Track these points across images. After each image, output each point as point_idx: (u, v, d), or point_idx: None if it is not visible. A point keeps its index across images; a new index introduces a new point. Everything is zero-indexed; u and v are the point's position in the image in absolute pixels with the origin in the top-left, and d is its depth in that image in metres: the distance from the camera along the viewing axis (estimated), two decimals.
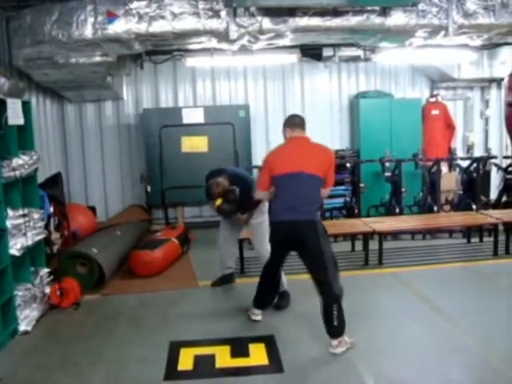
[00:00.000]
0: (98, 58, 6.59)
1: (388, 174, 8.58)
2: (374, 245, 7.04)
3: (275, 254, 4.85)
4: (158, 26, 6.01)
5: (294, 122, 4.81)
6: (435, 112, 9.92)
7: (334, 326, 4.36)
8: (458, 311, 5.26)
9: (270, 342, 4.61)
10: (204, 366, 4.26)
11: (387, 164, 8.62)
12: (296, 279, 5.95)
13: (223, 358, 4.38)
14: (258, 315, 5.11)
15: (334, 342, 4.36)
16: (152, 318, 5.38)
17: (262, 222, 5.72)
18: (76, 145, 9.76)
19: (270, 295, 5.14)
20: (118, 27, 5.98)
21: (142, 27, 5.99)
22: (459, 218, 7.91)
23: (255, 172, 9.12)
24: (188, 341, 4.74)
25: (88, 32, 5.97)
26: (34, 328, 5.09)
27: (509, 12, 6.14)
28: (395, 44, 7.35)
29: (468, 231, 8.02)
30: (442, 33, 6.40)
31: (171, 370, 4.20)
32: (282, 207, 4.55)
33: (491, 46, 8.84)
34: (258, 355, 4.40)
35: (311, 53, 8.73)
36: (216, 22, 6.06)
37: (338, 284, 4.44)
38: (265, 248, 5.40)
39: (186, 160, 9.20)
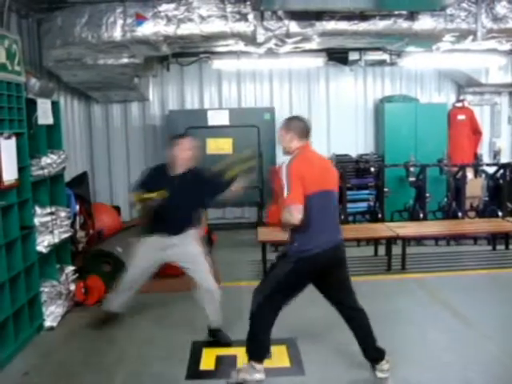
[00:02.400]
0: (125, 60, 6.69)
1: (412, 178, 8.52)
2: (397, 250, 7.00)
3: (291, 292, 4.01)
4: (185, 29, 6.08)
5: (307, 128, 4.14)
6: (461, 117, 9.83)
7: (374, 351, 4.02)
8: (482, 319, 5.20)
9: (291, 345, 4.63)
10: (226, 366, 4.28)
11: (412, 169, 8.56)
12: None
13: (245, 358, 4.39)
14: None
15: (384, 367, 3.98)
16: (175, 317, 5.43)
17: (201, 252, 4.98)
18: (102, 145, 9.88)
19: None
20: (147, 29, 6.06)
21: (171, 29, 6.06)
22: (484, 225, 7.83)
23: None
24: (210, 341, 4.77)
25: (117, 34, 6.06)
26: (58, 324, 5.18)
27: None
28: (422, 48, 7.31)
29: (493, 238, 7.92)
30: (471, 37, 6.35)
31: (193, 370, 4.24)
32: (323, 232, 3.80)
33: None
34: (279, 357, 4.42)
35: (337, 57, 8.71)
36: (243, 25, 6.10)
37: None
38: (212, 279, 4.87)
39: (211, 162, 9.06)
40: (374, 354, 3.99)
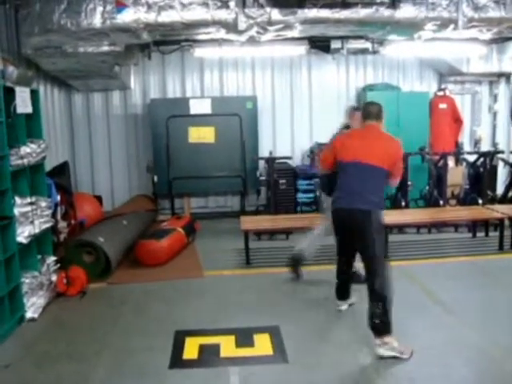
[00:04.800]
0: (106, 48, 6.60)
1: None
2: None
3: (339, 242, 4.85)
4: (166, 16, 6.00)
5: (368, 111, 4.69)
6: (443, 106, 9.87)
7: (374, 323, 4.26)
8: (462, 305, 5.27)
9: (274, 333, 4.64)
10: (209, 355, 4.29)
11: None
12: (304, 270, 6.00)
13: (228, 347, 4.41)
14: (341, 305, 5.10)
15: (376, 341, 4.22)
16: (157, 307, 5.42)
17: None
18: (83, 134, 9.78)
19: (344, 286, 5.05)
20: (127, 16, 5.98)
21: (151, 17, 5.99)
22: (465, 213, 7.91)
23: (261, 163, 9.17)
24: (193, 330, 4.77)
25: (97, 21, 5.97)
26: (40, 315, 5.14)
27: None
28: (404, 37, 7.31)
29: (474, 226, 8.01)
30: (452, 26, 6.36)
31: (176, 359, 4.24)
32: (343, 194, 4.56)
33: (501, 40, 8.77)
34: (262, 345, 4.44)
35: (319, 45, 8.69)
36: (225, 12, 6.04)
37: (384, 282, 4.29)
38: None
39: (193, 150, 9.21)
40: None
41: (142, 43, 7.46)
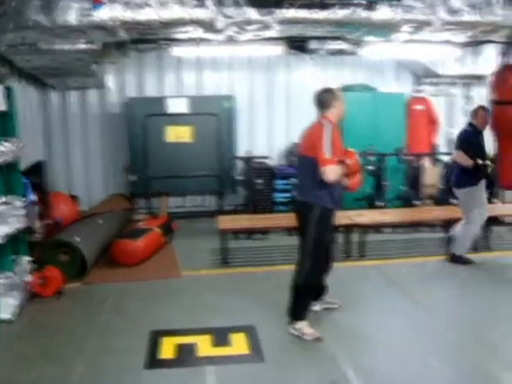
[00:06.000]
0: (82, 45, 6.52)
1: (371, 167, 8.63)
2: (355, 238, 7.10)
3: None
4: (143, 14, 5.94)
5: (315, 101, 4.71)
6: (419, 107, 9.99)
7: (288, 308, 4.64)
8: (436, 303, 5.36)
9: (250, 332, 4.65)
10: (185, 354, 4.29)
11: (370, 158, 8.67)
12: (276, 270, 6.01)
13: (204, 346, 4.41)
14: (314, 306, 5.04)
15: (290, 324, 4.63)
16: (134, 307, 5.39)
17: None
18: (59, 133, 9.68)
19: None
20: (104, 14, 5.90)
21: (128, 15, 5.92)
22: (440, 212, 8.02)
23: (239, 163, 9.17)
24: (169, 330, 4.76)
25: (72, 18, 5.87)
26: (16, 317, 5.06)
27: (493, 10, 6.19)
28: (381, 38, 7.36)
29: (448, 225, 8.10)
30: (427, 28, 6.42)
31: (152, 359, 4.22)
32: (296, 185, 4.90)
33: (475, 44, 8.89)
34: (238, 344, 4.45)
35: (297, 45, 8.73)
36: (202, 11, 6.01)
37: (303, 273, 4.51)
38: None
39: (170, 150, 9.18)
40: None
41: (120, 41, 7.40)
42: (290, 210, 8.65)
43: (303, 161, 4.58)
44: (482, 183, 6.41)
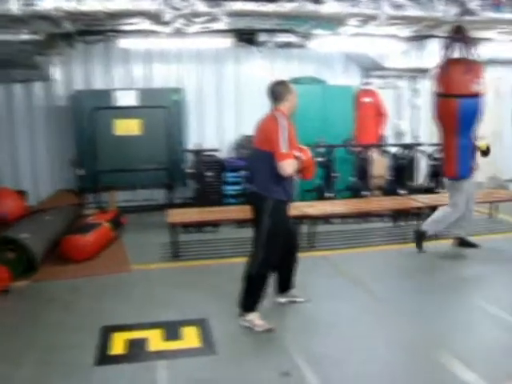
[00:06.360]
0: (25, 36, 6.36)
1: (320, 159, 8.71)
2: (305, 229, 7.18)
3: None
4: (88, 5, 5.82)
5: (268, 94, 4.69)
6: (367, 99, 10.15)
7: (240, 300, 4.68)
8: (386, 291, 5.51)
9: (202, 325, 4.66)
10: (136, 349, 4.26)
11: (320, 149, 8.76)
12: (227, 263, 6.03)
13: (155, 341, 4.39)
14: (280, 298, 5.19)
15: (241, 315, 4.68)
16: (84, 303, 5.31)
17: None
18: (4, 127, 9.37)
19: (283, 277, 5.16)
20: (47, 3, 5.73)
21: (72, 5, 5.78)
22: (388, 203, 8.19)
23: (188, 155, 9.13)
24: (120, 325, 4.71)
25: (14, 7, 5.71)
26: None
27: (435, 6, 6.35)
28: (328, 31, 7.45)
29: (396, 215, 8.31)
30: (373, 22, 6.54)
31: (103, 355, 4.18)
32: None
33: (420, 38, 9.10)
34: (190, 338, 4.45)
35: (246, 38, 8.73)
36: (149, 3, 5.94)
37: (255, 265, 4.55)
38: None
39: (119, 143, 9.04)
40: None
41: (65, 32, 7.23)
42: (240, 203, 8.70)
43: (257, 153, 4.60)
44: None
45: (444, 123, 5.98)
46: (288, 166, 4.35)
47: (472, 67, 5.45)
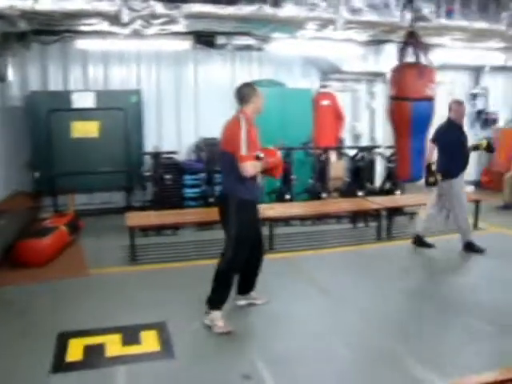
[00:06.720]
0: None
1: None
2: (264, 230, 7.19)
3: None
4: (44, 4, 5.73)
5: (235, 96, 4.72)
6: (325, 102, 10.27)
7: (208, 296, 4.70)
8: (344, 292, 5.59)
9: (161, 329, 4.62)
10: (94, 355, 4.19)
11: (279, 152, 8.79)
12: (187, 266, 6.00)
13: (114, 346, 4.33)
14: (239, 300, 5.21)
15: (205, 310, 4.71)
16: (40, 309, 5.19)
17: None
18: None
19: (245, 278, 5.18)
20: (2, 2, 5.63)
21: (28, 4, 5.68)
22: (346, 205, 8.30)
23: (147, 158, 9.05)
24: (77, 331, 4.62)
25: None
26: None
27: (390, 11, 6.49)
28: (287, 35, 7.52)
29: (354, 217, 8.43)
30: (331, 26, 6.63)
31: (59, 362, 4.09)
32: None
33: (377, 42, 9.27)
34: (149, 342, 4.41)
35: (205, 40, 8.73)
36: (107, 3, 5.89)
37: (226, 264, 4.63)
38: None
39: (77, 145, 8.91)
40: None
41: (20, 32, 7.08)
42: (200, 205, 8.68)
43: (223, 155, 4.67)
44: (461, 176, 6.76)
45: (397, 126, 6.07)
46: (248, 168, 4.41)
47: (425, 72, 5.56)
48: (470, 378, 2.78)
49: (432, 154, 6.64)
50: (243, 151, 4.37)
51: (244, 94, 4.65)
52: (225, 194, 4.71)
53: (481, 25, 7.13)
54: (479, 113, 11.75)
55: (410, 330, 4.67)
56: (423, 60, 5.62)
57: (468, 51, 9.40)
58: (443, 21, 6.72)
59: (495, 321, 4.75)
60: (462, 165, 6.79)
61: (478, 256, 6.74)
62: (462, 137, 6.84)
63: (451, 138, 6.69)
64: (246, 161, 4.39)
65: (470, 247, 6.88)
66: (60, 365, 4.06)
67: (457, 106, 6.79)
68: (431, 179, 6.59)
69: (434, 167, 6.61)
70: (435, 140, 6.70)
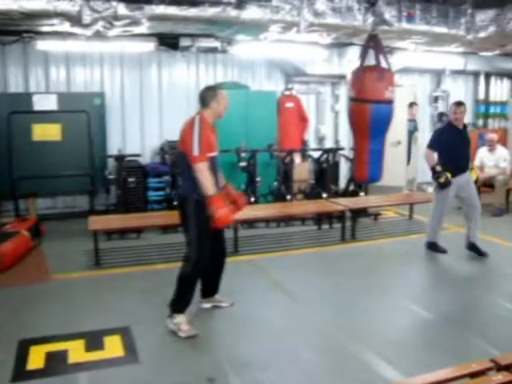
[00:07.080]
0: None
1: (243, 163, 8.77)
2: (229, 233, 7.19)
3: None
4: (2, 3, 5.62)
5: (199, 98, 4.76)
6: (289, 105, 10.31)
7: (171, 300, 4.67)
8: (308, 294, 5.60)
9: (125, 334, 4.57)
10: (56, 362, 4.10)
11: (243, 154, 8.81)
12: (151, 269, 5.95)
13: (77, 352, 4.26)
14: (204, 303, 5.19)
15: (168, 313, 4.66)
16: (0, 316, 5.07)
17: None
18: None
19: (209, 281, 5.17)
20: None
21: None
22: (311, 206, 8.34)
23: (110, 161, 8.94)
24: (39, 338, 4.52)
25: None
26: None
27: (353, 15, 6.57)
28: (251, 37, 7.54)
29: (319, 218, 8.48)
30: (295, 29, 6.68)
31: (19, 371, 3.98)
32: None
33: (340, 45, 9.38)
34: (113, 347, 4.34)
35: (168, 42, 8.68)
36: (68, 4, 5.81)
37: (188, 266, 4.61)
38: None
39: (38, 149, 8.74)
40: None
41: None
42: (164, 208, 8.62)
43: (180, 156, 4.73)
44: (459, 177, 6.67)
45: (356, 127, 6.15)
46: (200, 169, 4.41)
47: (384, 74, 5.64)
48: (426, 376, 2.83)
49: (433, 158, 6.61)
50: (196, 151, 4.39)
51: (203, 97, 4.70)
52: (182, 195, 4.73)
53: (441, 29, 7.29)
54: (441, 115, 11.95)
55: (374, 329, 4.73)
56: (383, 63, 5.70)
57: (429, 55, 9.60)
58: (404, 25, 6.82)
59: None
60: (461, 167, 6.70)
61: (442, 255, 6.88)
62: (461, 139, 6.72)
63: (450, 141, 6.62)
64: (198, 162, 4.40)
65: (434, 247, 6.99)
66: (21, 373, 3.96)
67: (455, 108, 6.65)
68: (441, 179, 6.48)
69: (439, 168, 6.51)
70: (432, 146, 6.68)
